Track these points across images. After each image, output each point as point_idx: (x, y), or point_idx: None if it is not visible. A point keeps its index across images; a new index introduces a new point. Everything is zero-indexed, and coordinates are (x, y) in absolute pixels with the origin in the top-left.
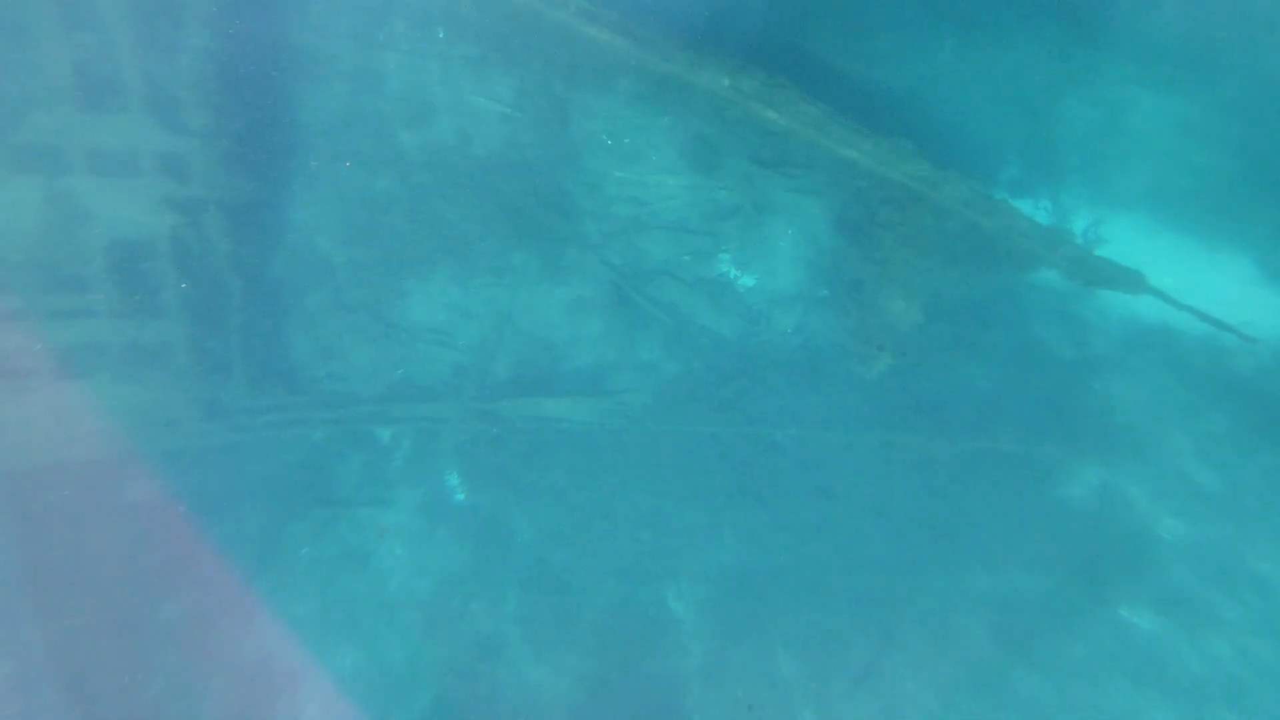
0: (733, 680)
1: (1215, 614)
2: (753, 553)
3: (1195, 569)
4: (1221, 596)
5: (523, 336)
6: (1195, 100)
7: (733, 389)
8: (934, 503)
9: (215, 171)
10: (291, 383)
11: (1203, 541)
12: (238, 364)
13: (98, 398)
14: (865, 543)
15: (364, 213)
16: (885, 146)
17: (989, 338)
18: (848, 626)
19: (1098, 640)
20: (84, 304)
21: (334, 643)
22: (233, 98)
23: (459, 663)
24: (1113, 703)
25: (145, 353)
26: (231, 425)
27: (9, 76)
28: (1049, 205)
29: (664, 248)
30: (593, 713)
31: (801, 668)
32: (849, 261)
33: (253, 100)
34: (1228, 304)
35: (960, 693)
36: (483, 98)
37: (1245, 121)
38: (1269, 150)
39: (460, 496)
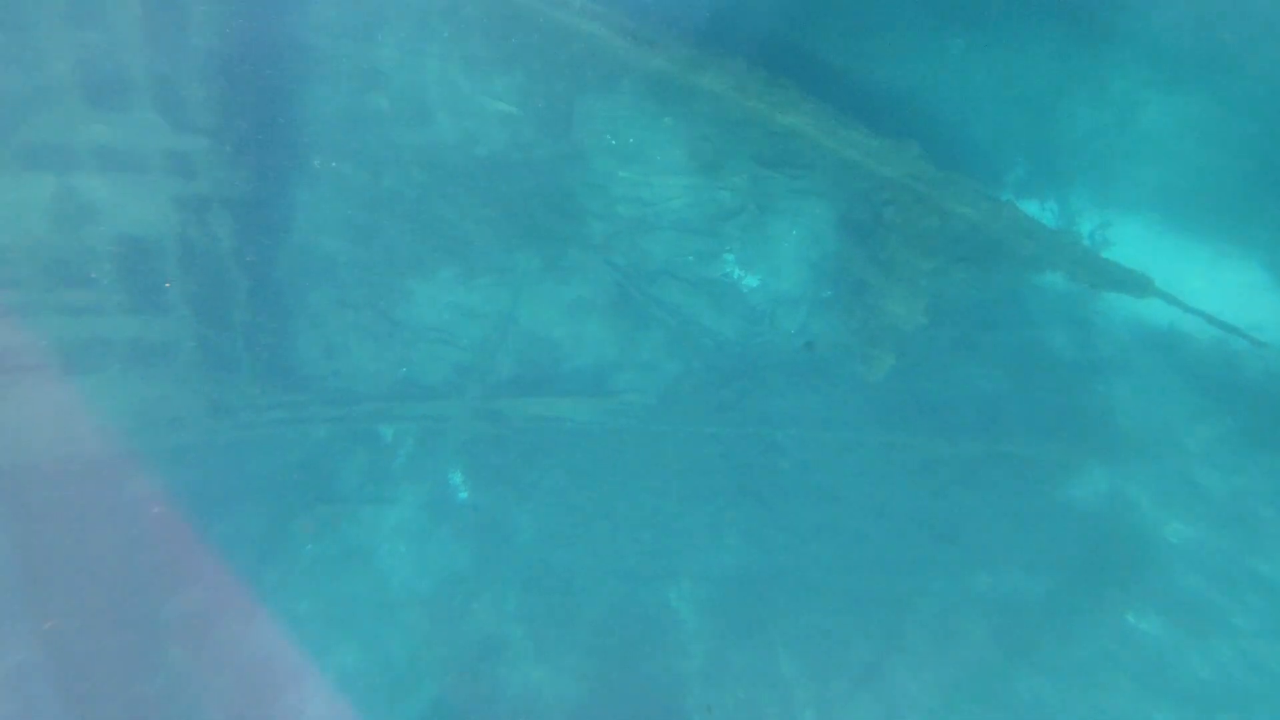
0: (734, 681)
1: (1222, 619)
2: (754, 553)
3: (1201, 573)
4: (1228, 601)
5: (525, 336)
6: (1204, 102)
7: (735, 389)
8: (936, 504)
9: (221, 170)
10: (295, 380)
11: (1209, 546)
12: (242, 361)
13: (104, 394)
14: (867, 544)
15: (368, 212)
16: (889, 147)
17: (993, 340)
18: (849, 627)
19: (1102, 643)
20: (91, 300)
21: (336, 640)
22: (238, 96)
23: (461, 661)
24: (1117, 706)
25: (151, 350)
26: (236, 422)
27: (18, 74)
28: (1055, 207)
29: (667, 248)
30: (594, 712)
31: (803, 668)
32: (853, 262)
33: (258, 99)
34: (1236, 307)
35: (962, 694)
36: (487, 97)
37: (1255, 123)
38: (1278, 153)
39: (463, 495)
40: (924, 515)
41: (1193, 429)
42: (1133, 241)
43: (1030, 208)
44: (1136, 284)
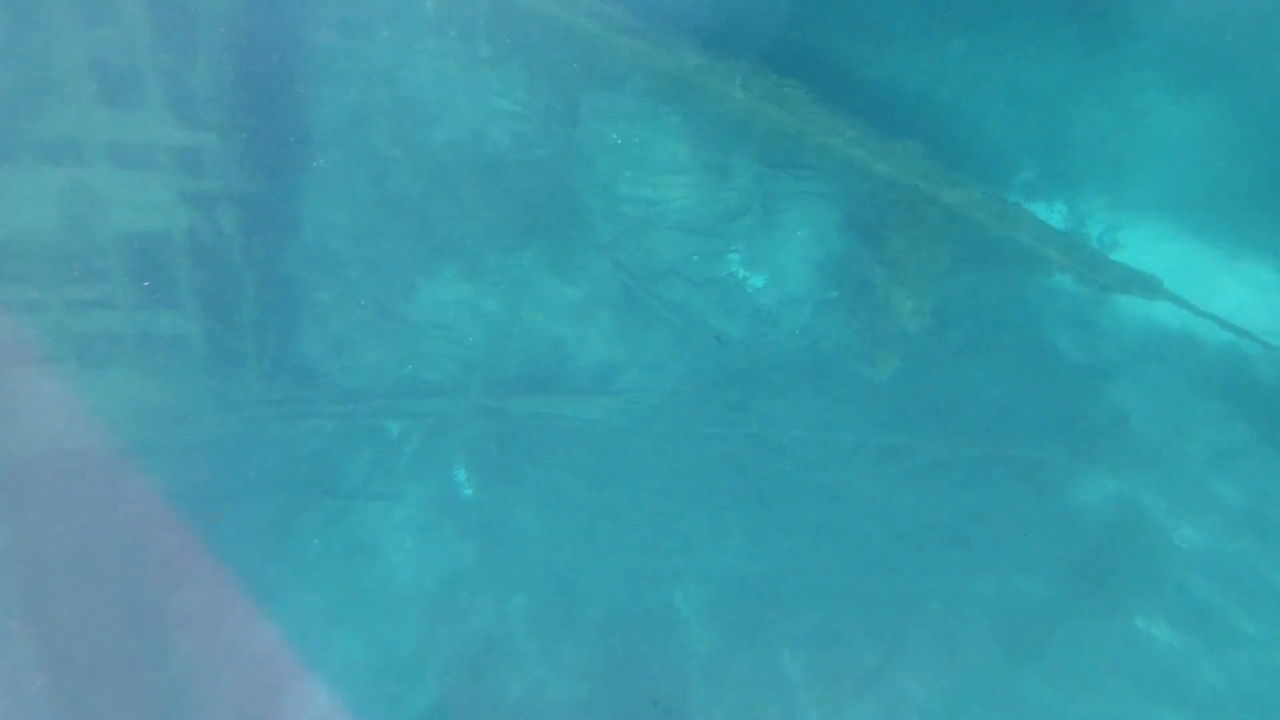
0: (737, 681)
1: (1235, 628)
2: (758, 554)
3: (1213, 581)
4: (1241, 610)
5: (531, 335)
6: (1217, 103)
7: (740, 390)
8: (942, 507)
9: (229, 167)
10: (303, 376)
11: (1222, 553)
12: (250, 357)
13: (113, 388)
14: (871, 546)
15: (375, 209)
16: (897, 149)
17: (1000, 342)
18: (853, 630)
19: (1110, 649)
20: (101, 295)
21: (342, 634)
22: (247, 94)
23: (465, 655)
24: (1125, 713)
25: (160, 345)
26: (243, 418)
27: (31, 70)
28: (1064, 209)
29: (673, 248)
30: (597, 710)
31: (806, 670)
32: (859, 263)
33: (266, 97)
34: (1249, 311)
35: (967, 698)
36: (492, 96)
37: (1268, 126)
38: None
39: (468, 492)
40: (929, 518)
41: (1204, 434)
42: (1143, 244)
43: (1038, 209)
44: (1146, 286)
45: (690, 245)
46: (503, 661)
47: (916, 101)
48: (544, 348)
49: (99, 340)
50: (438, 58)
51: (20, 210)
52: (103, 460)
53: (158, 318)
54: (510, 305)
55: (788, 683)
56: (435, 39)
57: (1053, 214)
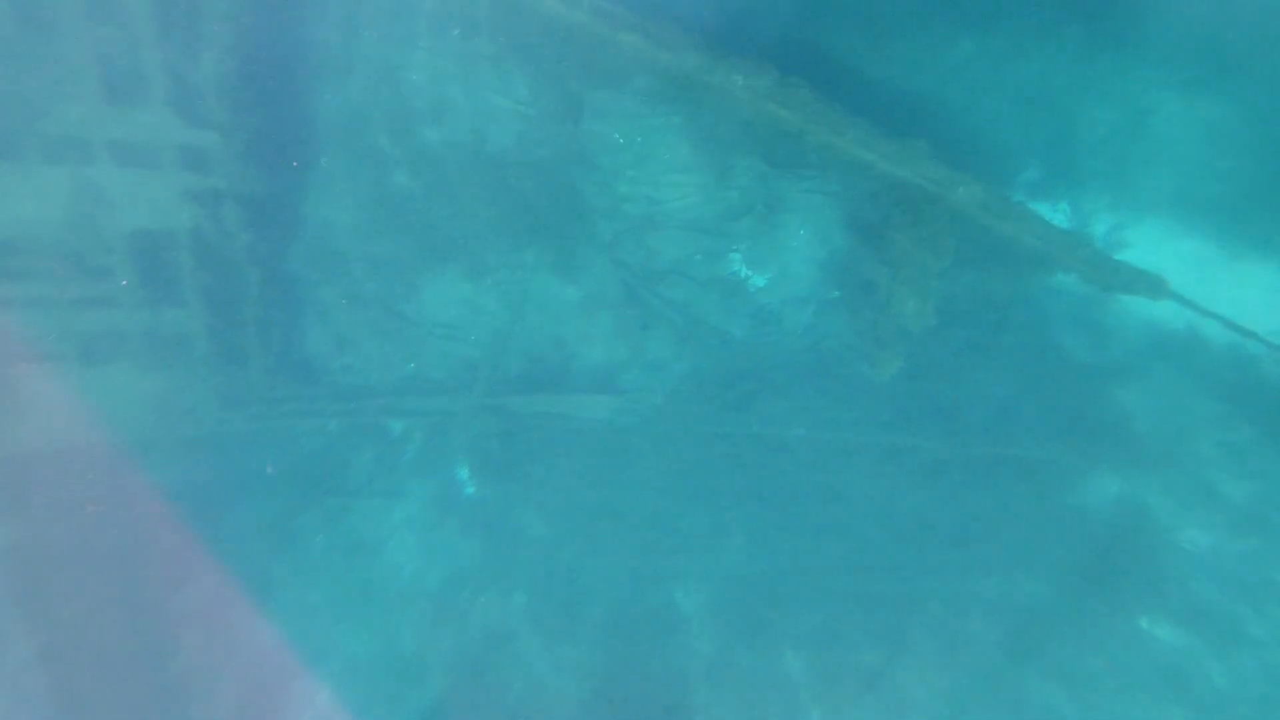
0: (740, 680)
1: (1240, 628)
2: (760, 554)
3: (1219, 582)
4: (1247, 611)
5: (533, 333)
6: (1220, 103)
7: (742, 389)
8: (945, 507)
9: (234, 165)
10: (306, 374)
11: (1227, 554)
12: (255, 355)
13: (117, 384)
14: (873, 546)
15: (379, 208)
16: (900, 147)
17: (1004, 342)
18: (856, 629)
19: (1115, 651)
20: (107, 292)
21: (346, 630)
22: (251, 93)
23: (467, 653)
24: (1130, 714)
25: (165, 342)
26: (247, 415)
27: (38, 70)
28: (1068, 208)
29: (676, 247)
30: (599, 707)
31: (809, 669)
32: (861, 263)
33: (271, 96)
34: (1254, 311)
35: (970, 699)
36: (497, 95)
37: (1272, 125)
38: None
39: (470, 490)
40: (932, 518)
41: (1209, 434)
42: (1147, 243)
43: (1043, 209)
44: (1151, 286)
45: (692, 244)
46: (504, 659)
47: (921, 100)
48: (546, 346)
49: (103, 337)
50: (440, 57)
51: (26, 208)
52: (106, 457)
53: (162, 315)
54: (512, 304)
55: (790, 682)
56: (438, 38)
57: (1057, 213)
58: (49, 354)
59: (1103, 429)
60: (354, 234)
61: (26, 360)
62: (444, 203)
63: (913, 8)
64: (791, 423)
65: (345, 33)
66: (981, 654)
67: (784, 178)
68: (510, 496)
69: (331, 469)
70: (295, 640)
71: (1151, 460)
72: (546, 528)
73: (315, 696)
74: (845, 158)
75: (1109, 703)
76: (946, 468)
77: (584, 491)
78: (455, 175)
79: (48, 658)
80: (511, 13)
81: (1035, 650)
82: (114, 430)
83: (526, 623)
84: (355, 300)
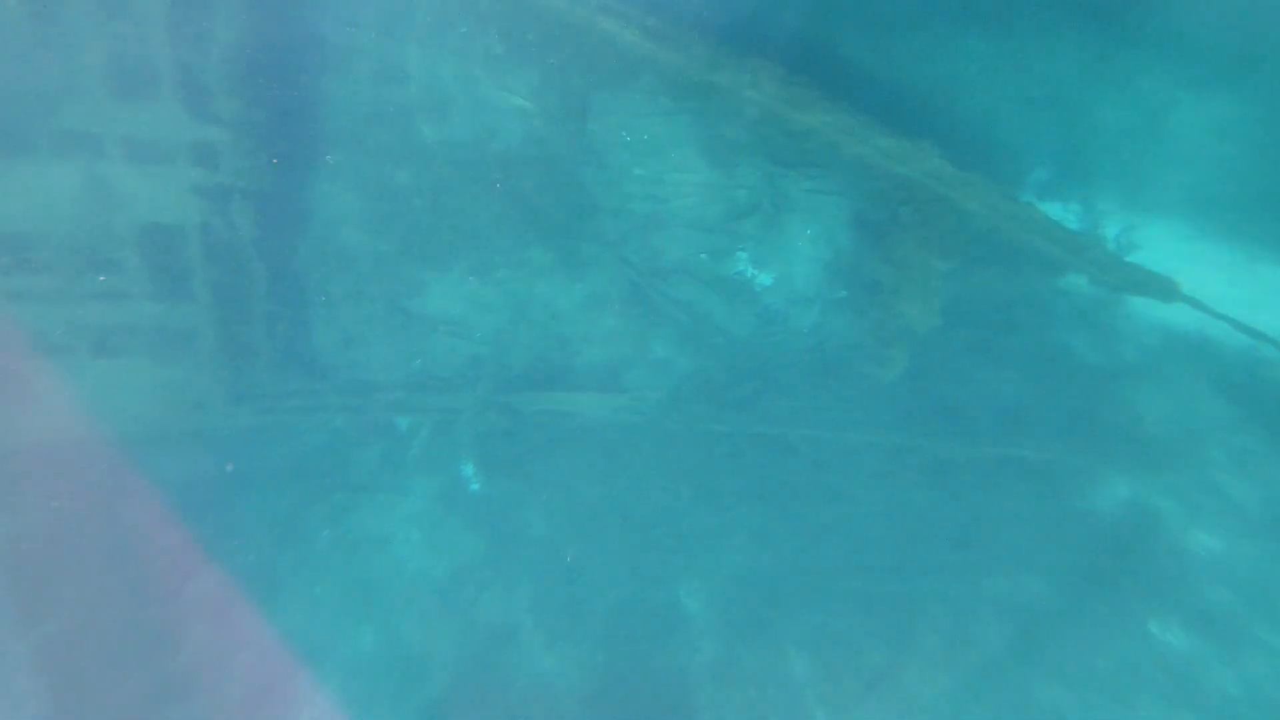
0: (743, 679)
1: (1252, 634)
2: (764, 554)
3: (1231, 587)
4: (1259, 617)
5: (538, 331)
6: (1236, 103)
7: (747, 388)
8: (950, 508)
9: (242, 161)
10: (313, 370)
11: (1239, 559)
12: (262, 350)
13: (129, 377)
14: (878, 545)
15: (385, 204)
16: (908, 147)
17: (1012, 343)
18: (860, 629)
19: (1124, 655)
20: (118, 286)
21: (352, 623)
22: (259, 89)
23: (472, 648)
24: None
25: (174, 336)
26: (255, 409)
27: (49, 64)
28: (1079, 209)
29: (681, 245)
30: (603, 704)
31: (813, 669)
32: (867, 263)
33: (279, 91)
34: (1267, 314)
35: (977, 700)
36: (503, 92)
37: None
38: None
39: (475, 486)
40: (937, 518)
41: (1220, 438)
42: (1159, 245)
43: (1052, 210)
44: (1162, 288)
45: (699, 243)
46: (508, 655)
47: (929, 100)
48: (551, 344)
49: (113, 331)
50: (449, 54)
51: (38, 202)
52: (114, 450)
53: (172, 308)
54: (518, 301)
55: (794, 682)
56: (446, 35)
57: (1067, 214)
58: (59, 347)
59: (1112, 431)
60: (361, 230)
61: (37, 353)
62: (451, 200)
63: (921, 6)
64: (796, 422)
65: (353, 30)
66: (987, 656)
67: (790, 177)
68: (515, 493)
69: (338, 464)
70: (301, 634)
71: (1161, 463)
72: (551, 524)
73: (320, 690)
74: (852, 157)
75: (1117, 707)
76: (952, 468)
77: (588, 489)
78: (461, 172)
79: (49, 651)
80: (519, 10)
81: (1042, 653)
82: (121, 423)
83: (530, 618)
84: (362, 297)
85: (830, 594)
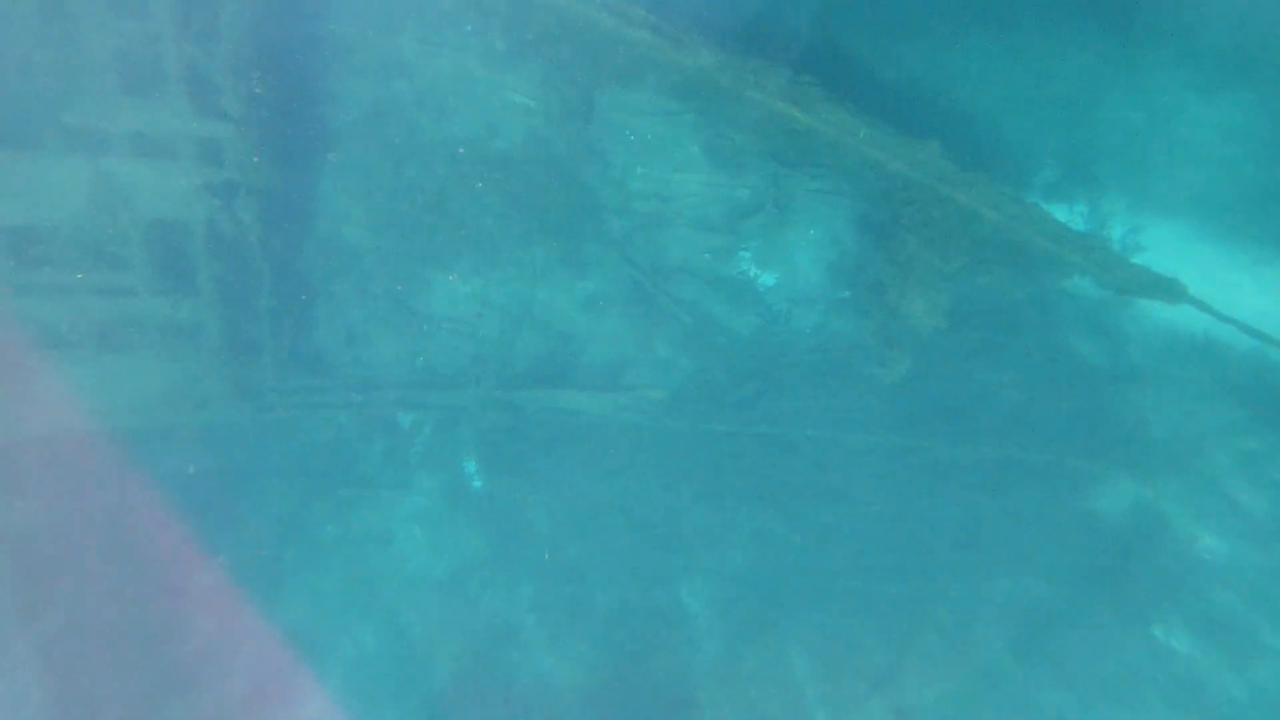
0: (745, 679)
1: (1259, 639)
2: (767, 553)
3: (1236, 590)
4: (1266, 622)
5: (542, 329)
6: (1243, 104)
7: (749, 388)
8: (954, 509)
9: (248, 158)
10: (317, 367)
11: (1246, 564)
12: (267, 346)
13: (135, 372)
14: (881, 546)
15: (389, 202)
16: (912, 147)
17: (1016, 345)
18: (863, 630)
19: (1128, 659)
20: (124, 282)
21: (355, 618)
22: (265, 86)
23: (475, 644)
24: None
25: (179, 331)
26: (259, 405)
27: (58, 60)
28: (1085, 210)
29: (684, 245)
30: (604, 702)
31: (815, 669)
32: (871, 263)
33: (284, 89)
34: (1274, 316)
35: (979, 703)
36: (507, 90)
37: None
38: None
39: (477, 484)
40: (940, 520)
41: (1227, 441)
42: (1166, 247)
43: (1058, 211)
44: (1169, 291)
45: (702, 242)
46: (511, 650)
47: (934, 100)
48: (554, 342)
49: (119, 326)
50: (454, 52)
51: (45, 197)
52: (118, 445)
53: (178, 304)
54: (522, 299)
55: (796, 681)
56: (451, 33)
57: (1073, 215)
58: (66, 341)
59: (1117, 434)
60: (366, 228)
61: (41, 347)
62: (455, 198)
63: (927, 6)
64: (798, 422)
65: (358, 27)
66: (990, 658)
67: (795, 177)
68: (518, 490)
69: (341, 460)
70: (305, 628)
71: (1167, 466)
72: (553, 522)
73: (324, 683)
74: (856, 157)
75: (1119, 710)
76: (956, 469)
77: (590, 487)
78: (467, 171)
79: (52, 645)
80: (525, 9)
81: (1045, 656)
82: (127, 417)
83: (532, 615)
84: (366, 294)
85: (832, 594)
